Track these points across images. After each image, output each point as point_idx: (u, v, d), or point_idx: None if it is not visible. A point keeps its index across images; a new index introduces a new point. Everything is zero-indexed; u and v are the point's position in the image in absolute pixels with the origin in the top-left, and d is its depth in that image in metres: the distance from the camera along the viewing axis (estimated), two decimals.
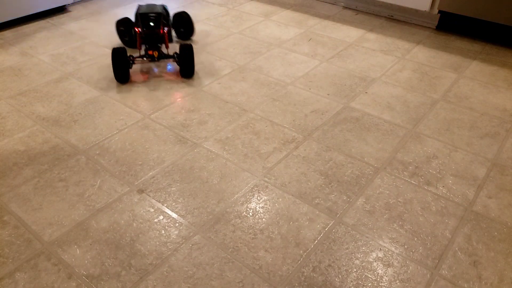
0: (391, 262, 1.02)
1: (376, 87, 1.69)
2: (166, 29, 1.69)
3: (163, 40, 1.67)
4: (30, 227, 1.09)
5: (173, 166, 1.29)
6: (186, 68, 1.67)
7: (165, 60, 1.81)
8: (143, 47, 1.72)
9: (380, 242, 1.06)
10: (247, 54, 1.92)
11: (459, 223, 1.12)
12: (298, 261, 1.02)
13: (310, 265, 1.00)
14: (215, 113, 1.53)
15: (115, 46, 1.69)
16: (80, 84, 1.69)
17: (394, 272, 0.99)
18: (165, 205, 1.16)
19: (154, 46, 1.65)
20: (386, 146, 1.38)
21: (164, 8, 1.79)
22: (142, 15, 1.65)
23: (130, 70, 1.74)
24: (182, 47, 1.63)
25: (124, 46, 1.69)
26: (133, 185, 1.22)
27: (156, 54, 1.64)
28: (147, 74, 1.74)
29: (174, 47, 1.93)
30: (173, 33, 2.01)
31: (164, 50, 1.83)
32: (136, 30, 1.67)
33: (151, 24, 1.64)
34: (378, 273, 0.99)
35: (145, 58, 1.66)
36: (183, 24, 1.93)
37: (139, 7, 1.72)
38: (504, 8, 1.87)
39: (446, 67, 1.83)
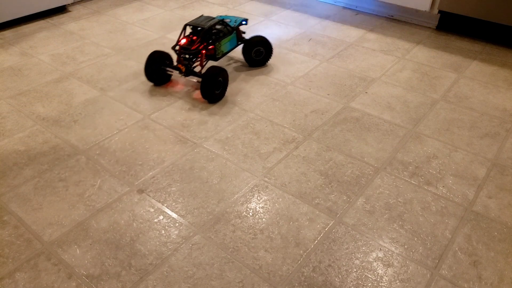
0: (391, 262, 1.02)
1: (376, 87, 1.69)
2: (208, 46, 1.60)
3: (196, 57, 1.58)
4: (30, 227, 1.09)
5: (173, 166, 1.29)
6: (206, 91, 1.54)
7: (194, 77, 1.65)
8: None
9: (380, 242, 1.06)
10: None
11: (459, 223, 1.12)
12: (298, 261, 1.02)
13: (310, 265, 1.00)
14: (215, 113, 1.53)
15: (157, 50, 1.68)
16: (80, 84, 1.69)
17: (394, 272, 0.99)
18: (165, 205, 1.16)
19: (186, 60, 1.57)
20: (386, 146, 1.38)
21: (225, 23, 1.68)
22: (188, 26, 1.62)
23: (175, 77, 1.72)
24: (209, 70, 1.53)
25: (165, 52, 1.63)
26: (133, 185, 1.22)
27: (183, 69, 1.57)
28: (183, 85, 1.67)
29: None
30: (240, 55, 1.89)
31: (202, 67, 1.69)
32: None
33: (187, 38, 1.59)
34: (378, 273, 0.99)
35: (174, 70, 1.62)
36: (259, 53, 1.79)
37: (199, 17, 1.66)
38: (504, 8, 1.87)
39: (446, 67, 1.83)
